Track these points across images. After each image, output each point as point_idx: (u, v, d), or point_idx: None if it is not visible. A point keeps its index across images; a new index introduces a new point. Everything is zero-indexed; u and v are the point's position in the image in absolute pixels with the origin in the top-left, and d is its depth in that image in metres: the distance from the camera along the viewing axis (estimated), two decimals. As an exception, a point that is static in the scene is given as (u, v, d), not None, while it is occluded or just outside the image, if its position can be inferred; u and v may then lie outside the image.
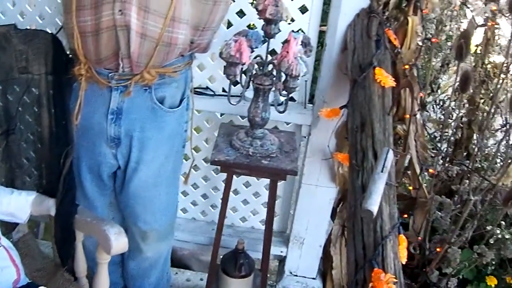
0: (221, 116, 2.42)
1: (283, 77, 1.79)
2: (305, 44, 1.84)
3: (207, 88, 2.33)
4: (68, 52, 1.93)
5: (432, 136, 2.75)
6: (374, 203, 1.25)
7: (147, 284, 2.36)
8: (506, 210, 2.04)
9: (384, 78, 1.74)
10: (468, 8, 2.68)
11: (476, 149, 2.42)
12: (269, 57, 1.91)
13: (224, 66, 1.83)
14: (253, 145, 1.94)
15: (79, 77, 1.82)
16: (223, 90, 2.32)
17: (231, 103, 1.90)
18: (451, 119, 2.65)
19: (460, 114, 2.67)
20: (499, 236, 2.21)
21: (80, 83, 1.83)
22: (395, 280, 1.35)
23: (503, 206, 1.92)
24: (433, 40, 2.23)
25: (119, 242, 1.64)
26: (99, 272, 1.76)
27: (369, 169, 1.52)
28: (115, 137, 1.90)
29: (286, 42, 1.79)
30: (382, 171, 1.32)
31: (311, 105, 2.28)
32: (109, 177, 2.04)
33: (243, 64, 1.78)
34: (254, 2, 1.90)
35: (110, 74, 1.79)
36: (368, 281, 1.38)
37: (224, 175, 2.00)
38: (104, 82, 1.80)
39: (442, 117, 2.74)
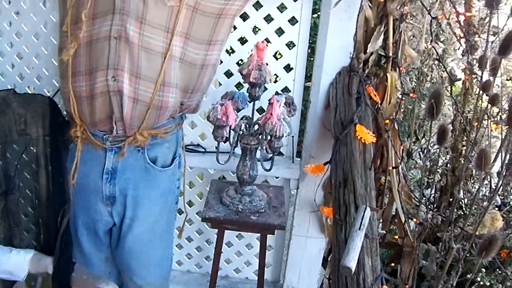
0: (213, 171, 2.50)
1: (268, 137, 1.87)
2: (289, 104, 1.93)
3: (198, 145, 2.42)
4: (64, 114, 2.01)
5: (419, 183, 2.83)
6: (352, 259, 1.32)
7: None
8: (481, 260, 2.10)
9: (365, 134, 1.82)
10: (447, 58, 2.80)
11: (460, 196, 2.48)
12: (257, 115, 2.00)
13: (213, 129, 1.91)
14: (242, 201, 2.01)
15: (75, 139, 1.90)
16: (215, 147, 2.41)
17: (219, 163, 1.98)
18: (436, 166, 2.72)
19: (445, 160, 2.75)
20: (481, 283, 2.26)
21: (76, 145, 1.91)
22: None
23: (478, 256, 1.98)
24: (412, 94, 2.31)
25: (116, 298, 1.70)
26: (95, 329, 1.81)
27: (351, 224, 1.59)
28: (110, 196, 1.96)
29: (270, 104, 1.88)
30: (359, 229, 1.40)
31: (298, 159, 2.36)
32: (104, 233, 2.10)
33: (230, 126, 1.86)
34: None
35: (104, 136, 1.87)
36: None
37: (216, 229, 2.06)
38: (99, 144, 1.88)
39: (428, 163, 2.81)
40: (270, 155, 2.01)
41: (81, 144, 1.91)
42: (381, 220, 2.40)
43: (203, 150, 2.39)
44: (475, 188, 2.61)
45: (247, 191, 2.03)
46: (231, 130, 1.98)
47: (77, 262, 1.97)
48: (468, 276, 2.25)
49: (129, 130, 1.85)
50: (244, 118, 1.95)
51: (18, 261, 1.91)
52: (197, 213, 2.60)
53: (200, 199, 2.55)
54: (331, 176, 1.86)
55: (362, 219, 1.43)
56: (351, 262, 1.31)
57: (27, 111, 2.04)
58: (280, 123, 1.79)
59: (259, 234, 2.53)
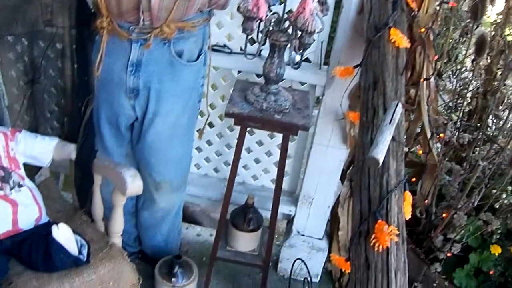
0: (237, 74, 2.45)
1: (299, 34, 1.81)
2: (322, 2, 1.86)
3: (224, 46, 2.36)
4: (91, 6, 1.97)
5: (447, 107, 2.76)
6: (380, 152, 1.29)
7: (159, 235, 2.44)
8: (512, 172, 2.07)
9: (399, 38, 1.76)
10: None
11: (489, 118, 2.43)
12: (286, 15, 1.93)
13: (242, 21, 1.85)
14: (267, 100, 1.97)
15: (101, 30, 1.87)
16: (240, 49, 2.35)
17: (246, 57, 1.92)
18: (467, 89, 2.66)
19: (477, 84, 2.67)
20: (505, 201, 2.23)
21: (101, 36, 1.88)
22: (397, 232, 1.40)
23: (510, 166, 1.96)
24: (451, 3, 2.21)
25: (134, 184, 1.70)
26: (114, 214, 1.83)
27: (378, 126, 1.55)
28: (134, 89, 1.94)
29: (303, -1, 1.81)
30: (390, 123, 1.36)
31: (326, 66, 2.30)
32: (126, 128, 2.09)
33: (260, 19, 1.80)
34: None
35: (130, 27, 1.83)
36: (371, 233, 1.42)
37: (237, 133, 2.02)
38: (124, 35, 1.85)
39: (458, 87, 2.74)
40: (298, 58, 1.95)
41: (106, 36, 1.88)
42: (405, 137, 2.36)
43: (229, 50, 2.33)
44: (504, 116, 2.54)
45: (273, 90, 1.99)
46: (259, 32, 1.91)
47: (98, 155, 1.97)
48: (488, 200, 2.23)
49: (156, 21, 1.80)
50: (274, 13, 1.88)
51: (43, 147, 1.93)
52: (219, 117, 2.57)
53: (223, 102, 2.52)
54: (361, 79, 1.81)
55: (393, 114, 1.38)
56: (379, 154, 1.28)
57: (53, 1, 1.99)
58: (313, 18, 1.73)
59: (279, 142, 2.51)
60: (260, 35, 1.90)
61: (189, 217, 2.88)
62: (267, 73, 1.95)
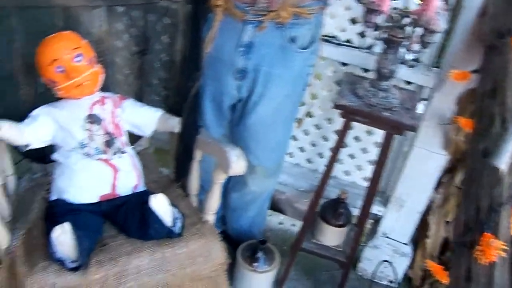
0: (343, 66, 2.42)
1: (420, 32, 1.77)
2: (446, 1, 1.80)
3: (334, 37, 2.33)
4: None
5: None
6: (503, 162, 1.23)
7: (245, 217, 2.45)
8: None
9: (524, 45, 1.68)
10: None
11: None
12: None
13: (363, 13, 1.82)
14: (376, 95, 1.94)
15: (216, 8, 1.87)
16: (348, 41, 2.33)
17: (362, 49, 1.90)
18: None
19: None
20: None
21: (215, 14, 1.89)
22: (506, 248, 1.34)
23: None
24: None
25: (238, 164, 1.70)
26: (212, 191, 1.84)
27: (494, 135, 1.49)
28: (243, 70, 1.95)
29: (427, -5, 1.75)
30: (516, 134, 1.29)
31: (436, 68, 2.24)
32: (228, 108, 2.10)
33: (382, 12, 1.76)
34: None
35: (246, 8, 1.83)
36: (476, 245, 1.37)
37: (335, 126, 2.01)
38: (239, 15, 1.85)
39: None
40: (411, 57, 1.90)
41: (220, 14, 1.88)
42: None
43: (337, 42, 2.31)
44: None
45: (383, 86, 1.95)
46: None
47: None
48: None
49: (273, 4, 1.80)
50: (395, 8, 1.84)
51: (148, 117, 1.95)
52: (319, 107, 2.55)
53: (325, 93, 2.49)
54: (477, 85, 1.74)
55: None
56: (503, 164, 1.22)
57: (172, -25, 2.01)
58: (437, 16, 1.68)
59: (376, 140, 2.47)
60: (375, 33, 1.87)
61: (273, 204, 2.87)
62: (380, 68, 1.91)
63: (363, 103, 1.93)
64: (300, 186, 2.67)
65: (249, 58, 1.92)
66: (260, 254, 2.26)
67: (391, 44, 1.86)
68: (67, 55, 1.76)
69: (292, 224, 2.87)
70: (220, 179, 1.79)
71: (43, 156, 1.96)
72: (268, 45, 1.90)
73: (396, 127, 1.91)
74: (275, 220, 2.89)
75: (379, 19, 1.84)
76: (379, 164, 2.07)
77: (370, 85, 1.98)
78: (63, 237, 1.59)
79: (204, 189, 1.95)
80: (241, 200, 2.36)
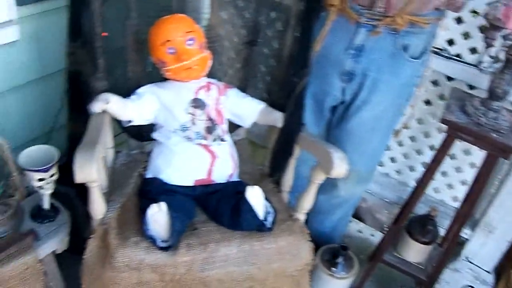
0: (448, 81, 2.36)
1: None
2: None
3: (443, 49, 2.27)
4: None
5: None
6: None
7: (328, 221, 2.42)
8: None
9: None
10: None
11: None
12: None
13: (485, 29, 1.76)
14: (486, 115, 1.87)
15: (330, 7, 1.86)
16: (458, 56, 2.26)
17: (478, 67, 1.83)
18: None
19: None
20: None
21: (328, 13, 1.87)
22: None
23: None
24: None
25: (340, 167, 1.67)
26: (308, 190, 1.82)
27: None
28: (350, 72, 1.92)
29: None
30: None
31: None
32: (329, 109, 2.08)
33: (505, 29, 1.70)
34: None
35: (362, 10, 1.81)
36: None
37: (431, 141, 1.94)
38: (353, 17, 1.82)
39: None
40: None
41: (334, 14, 1.87)
42: None
43: (447, 55, 2.25)
44: None
45: (494, 106, 1.88)
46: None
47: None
48: None
49: (390, 10, 1.76)
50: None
51: (250, 108, 1.96)
52: (417, 119, 2.49)
53: (426, 106, 2.43)
54: None
55: None
56: None
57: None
58: None
59: (471, 161, 2.39)
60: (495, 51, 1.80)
61: (354, 211, 2.84)
62: (494, 88, 1.84)
63: (471, 121, 1.87)
64: (385, 196, 2.62)
65: (358, 61, 1.90)
66: (340, 260, 2.23)
67: (509, 64, 1.79)
68: (180, 37, 1.79)
69: (371, 234, 2.82)
70: (318, 179, 1.78)
71: (140, 134, 1.99)
72: (379, 51, 1.87)
73: (503, 150, 1.84)
74: (355, 227, 2.85)
75: (500, 37, 1.78)
76: (478, 186, 1.99)
77: (480, 103, 1.91)
78: (159, 216, 1.60)
79: (295, 188, 1.94)
80: (328, 203, 2.33)
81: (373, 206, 2.78)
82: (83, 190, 1.85)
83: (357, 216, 2.85)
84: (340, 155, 1.68)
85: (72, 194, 2.02)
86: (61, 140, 1.87)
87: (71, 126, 2.07)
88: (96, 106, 1.74)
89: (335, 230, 2.48)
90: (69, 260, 1.87)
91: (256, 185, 1.73)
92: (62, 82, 2.12)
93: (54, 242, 1.75)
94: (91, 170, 1.50)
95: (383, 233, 2.74)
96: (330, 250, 2.29)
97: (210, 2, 2.00)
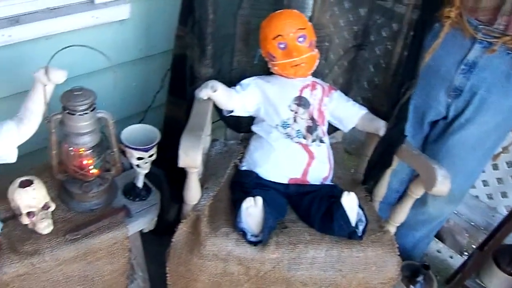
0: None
1: None
2: None
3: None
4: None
5: None
6: None
7: (411, 236, 2.36)
8: None
9: None
10: None
11: None
12: None
13: None
14: None
15: (445, 19, 1.80)
16: None
17: None
18: None
19: None
20: None
21: (442, 25, 1.81)
22: None
23: None
24: None
25: (443, 184, 1.61)
26: (403, 203, 1.77)
27: None
28: (458, 88, 1.86)
29: None
30: None
31: None
32: (429, 123, 2.03)
33: None
34: None
35: (479, 26, 1.74)
36: None
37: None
38: (469, 32, 1.76)
39: None
40: None
41: (448, 27, 1.81)
42: None
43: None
44: None
45: None
46: None
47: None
48: None
49: (511, 28, 1.68)
50: None
51: (352, 112, 1.94)
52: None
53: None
54: None
55: None
56: None
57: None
58: None
59: None
60: None
61: (434, 230, 2.77)
62: None
63: None
64: (472, 219, 2.54)
65: (468, 77, 1.83)
66: (420, 278, 2.17)
67: None
68: (292, 34, 1.77)
69: (450, 256, 2.73)
70: (417, 193, 1.72)
71: (239, 124, 1.99)
72: (492, 69, 1.80)
73: None
74: (434, 246, 2.76)
75: None
76: None
77: None
78: (253, 210, 1.59)
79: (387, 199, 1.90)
80: (414, 218, 2.25)
81: (455, 227, 2.70)
82: (172, 173, 1.87)
83: (438, 235, 2.77)
84: (444, 173, 1.62)
85: (161, 176, 2.03)
86: (155, 121, 1.87)
87: (169, 109, 2.09)
88: (203, 93, 1.74)
89: (416, 247, 2.41)
90: (150, 239, 1.90)
91: (348, 191, 1.69)
92: (164, 64, 2.14)
93: (144, 221, 1.76)
94: (196, 156, 1.51)
95: (462, 256, 2.65)
96: (410, 267, 2.23)
97: (319, 1, 1.96)
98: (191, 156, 1.50)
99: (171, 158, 1.76)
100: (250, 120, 1.93)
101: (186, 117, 1.77)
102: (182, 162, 1.51)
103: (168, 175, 2.03)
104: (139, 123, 1.82)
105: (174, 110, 2.04)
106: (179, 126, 1.92)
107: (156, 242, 1.90)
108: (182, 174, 1.68)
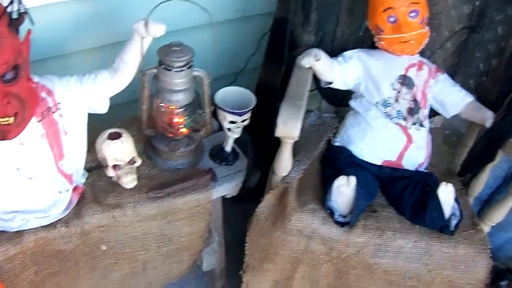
0: None
1: None
2: None
3: None
4: None
5: None
6: None
7: (498, 237, 2.21)
8: None
9: None
10: None
11: None
12: None
13: None
14: None
15: None
16: None
17: None
18: None
19: None
20: None
21: None
22: None
23: None
24: None
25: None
26: (504, 203, 1.65)
27: None
28: None
29: None
30: None
31: None
32: None
33: None
34: None
35: None
36: None
37: None
38: None
39: None
40: None
41: None
42: None
43: None
44: None
45: None
46: None
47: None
48: None
49: None
50: None
51: (457, 98, 1.80)
52: None
53: None
54: None
55: None
56: None
57: None
58: None
59: None
60: None
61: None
62: None
63: None
64: None
65: None
66: (504, 283, 2.04)
67: None
68: (404, 7, 1.66)
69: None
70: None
71: (335, 97, 1.91)
72: None
73: None
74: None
75: None
76: None
77: None
78: (345, 189, 1.52)
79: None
80: (506, 218, 2.13)
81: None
82: (260, 140, 1.81)
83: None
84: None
85: (247, 141, 1.98)
86: (245, 85, 1.80)
87: (263, 74, 2.03)
88: (306, 61, 1.66)
89: (503, 248, 2.27)
90: (226, 204, 1.85)
91: (443, 181, 1.59)
92: (261, 26, 2.07)
93: (228, 187, 1.71)
94: (295, 127, 1.44)
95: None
96: (493, 269, 2.11)
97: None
98: (290, 127, 1.43)
99: (261, 124, 1.71)
100: (347, 93, 1.84)
101: (282, 84, 1.70)
102: (279, 131, 1.45)
103: (254, 141, 1.97)
104: (230, 85, 1.77)
105: (269, 75, 1.97)
106: (273, 92, 1.87)
107: (233, 207, 1.86)
108: (270, 142, 1.62)
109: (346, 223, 1.54)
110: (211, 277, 2.06)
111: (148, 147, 1.74)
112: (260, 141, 1.92)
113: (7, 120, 1.30)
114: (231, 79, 2.19)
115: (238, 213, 1.84)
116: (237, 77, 2.22)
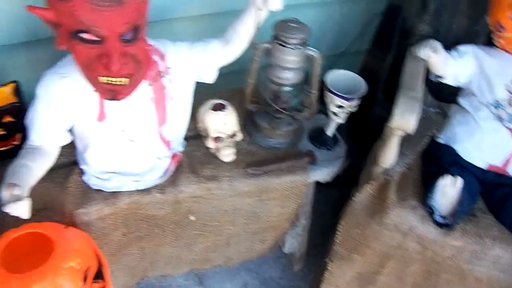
0: None
1: None
2: None
3: None
4: None
5: None
6: None
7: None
8: None
9: None
10: None
11: None
12: None
13: None
14: None
15: None
16: None
17: None
18: None
19: None
20: None
21: None
22: None
23: None
24: None
25: None
26: None
27: None
28: None
29: None
30: None
31: None
32: None
33: None
34: None
35: None
36: None
37: None
38: None
39: None
40: None
41: None
42: None
43: None
44: None
45: None
46: None
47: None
48: None
49: None
50: None
51: None
52: None
53: None
54: None
55: None
56: None
57: None
58: None
59: None
60: None
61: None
62: None
63: None
64: None
65: None
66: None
67: None
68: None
69: None
70: None
71: (442, 93, 1.83)
72: None
73: None
74: None
75: None
76: None
77: None
78: (450, 189, 1.46)
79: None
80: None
81: None
82: (357, 127, 1.76)
83: None
84: None
85: (343, 128, 1.93)
86: (344, 68, 1.74)
87: (368, 60, 1.98)
88: (424, 52, 1.60)
89: None
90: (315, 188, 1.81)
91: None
92: (366, 9, 2.01)
93: (326, 172, 1.67)
94: (411, 120, 1.39)
95: None
96: None
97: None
98: (407, 119, 1.39)
99: (358, 111, 1.65)
100: (454, 90, 1.76)
101: (389, 72, 1.64)
102: (395, 123, 1.40)
103: (350, 128, 1.92)
104: (330, 68, 1.72)
105: (374, 62, 1.92)
106: (376, 80, 1.81)
107: (320, 192, 1.82)
108: (366, 131, 1.57)
109: (446, 225, 1.49)
110: (289, 260, 2.04)
111: (248, 122, 1.71)
112: (357, 129, 1.88)
113: (121, 81, 1.29)
114: (330, 60, 2.14)
115: (320, 199, 1.81)
116: (338, 59, 2.16)
